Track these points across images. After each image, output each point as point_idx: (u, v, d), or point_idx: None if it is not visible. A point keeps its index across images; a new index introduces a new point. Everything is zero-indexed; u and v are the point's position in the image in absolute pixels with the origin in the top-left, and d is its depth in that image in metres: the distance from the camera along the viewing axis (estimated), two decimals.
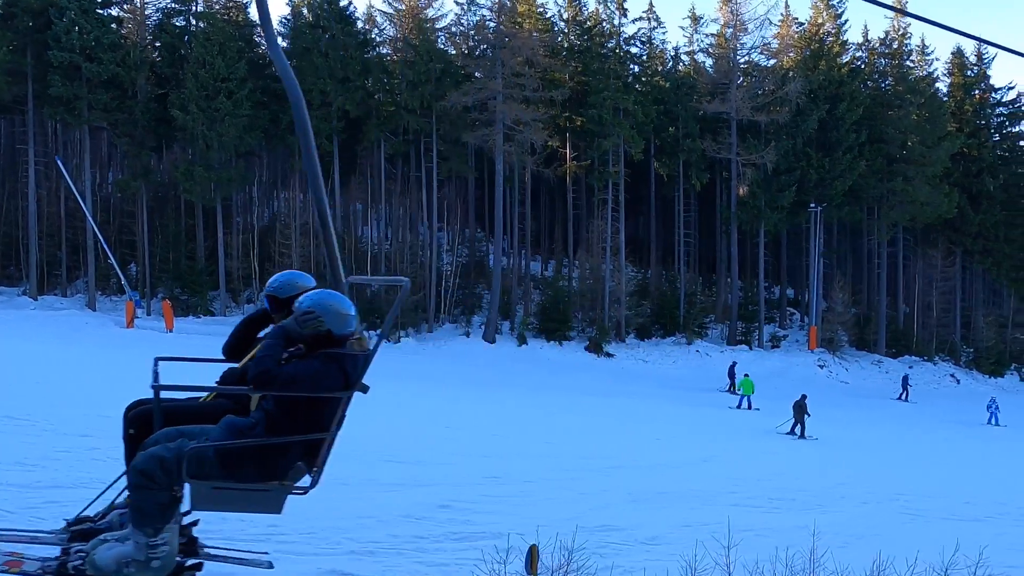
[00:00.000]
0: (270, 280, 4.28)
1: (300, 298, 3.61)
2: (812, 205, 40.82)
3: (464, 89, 35.53)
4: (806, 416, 24.03)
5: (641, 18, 42.70)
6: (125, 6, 41.00)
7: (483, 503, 13.45)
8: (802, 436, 23.86)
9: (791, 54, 44.65)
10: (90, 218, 31.41)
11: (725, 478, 17.46)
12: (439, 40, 45.30)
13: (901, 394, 37.17)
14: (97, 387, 19.79)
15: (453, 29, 44.91)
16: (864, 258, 50.95)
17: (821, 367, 39.64)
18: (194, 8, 39.53)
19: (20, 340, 26.39)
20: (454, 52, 45.66)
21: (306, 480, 3.67)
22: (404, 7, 44.56)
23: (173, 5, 39.78)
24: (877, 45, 45.82)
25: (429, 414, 21.49)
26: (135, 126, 36.80)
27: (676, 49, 45.87)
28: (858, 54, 47.16)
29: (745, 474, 18.05)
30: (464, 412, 22.29)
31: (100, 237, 33.67)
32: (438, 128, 37.71)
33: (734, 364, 34.92)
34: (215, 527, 10.46)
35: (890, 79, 44.99)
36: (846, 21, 44.75)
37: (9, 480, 10.36)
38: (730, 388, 33.52)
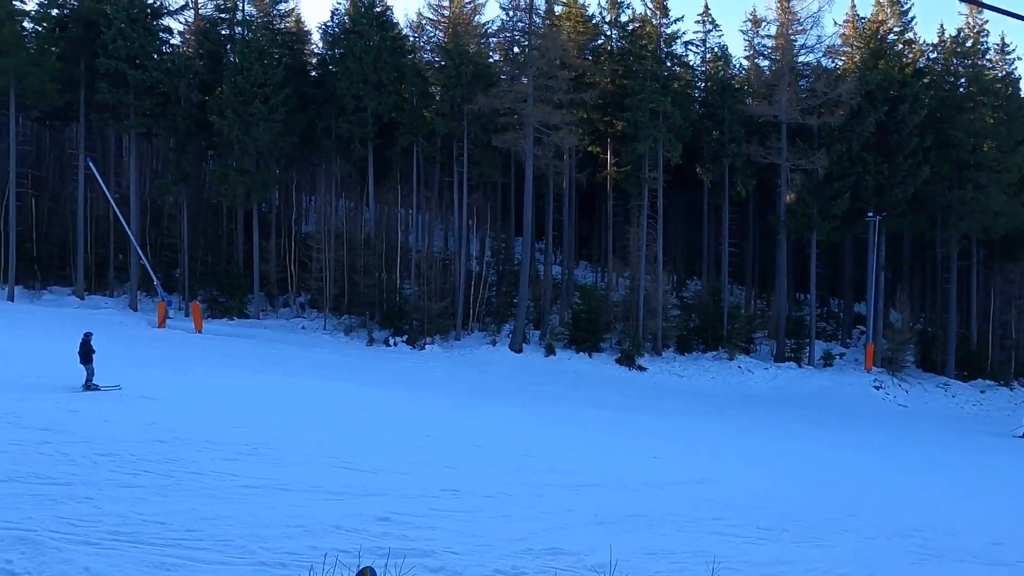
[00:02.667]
0: None
1: None
2: (870, 214, 38.09)
3: (493, 92, 34.80)
4: None
5: (681, 19, 41.03)
6: (181, 17, 42.38)
7: (428, 517, 12.44)
8: None
9: (856, 57, 42.09)
10: (123, 220, 32.21)
11: (714, 502, 15.86)
12: (488, 46, 45.03)
13: None
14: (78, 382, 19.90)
15: (501, 36, 44.50)
16: (934, 272, 47.40)
17: (877, 388, 36.73)
18: (237, 16, 40.33)
19: (38, 336, 27.16)
20: (500, 58, 45.23)
21: None
22: (449, 14, 44.53)
23: (217, 14, 40.71)
24: (949, 43, 42.58)
25: (413, 422, 20.68)
26: (177, 131, 37.71)
27: (723, 49, 43.88)
28: (932, 55, 44.07)
29: (739, 498, 16.43)
30: (454, 421, 21.37)
31: (133, 240, 34.65)
32: (469, 132, 37.11)
33: None
34: (133, 528, 9.78)
35: (963, 80, 41.68)
36: (912, 18, 41.78)
37: None
38: None
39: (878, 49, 39.34)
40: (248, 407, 19.16)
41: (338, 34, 39.72)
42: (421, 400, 23.99)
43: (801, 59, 41.24)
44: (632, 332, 36.36)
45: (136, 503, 11.06)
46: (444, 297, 36.03)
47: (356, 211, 41.52)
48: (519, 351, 34.96)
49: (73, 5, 38.74)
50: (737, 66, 46.84)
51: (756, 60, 45.28)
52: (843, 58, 43.28)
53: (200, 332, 33.32)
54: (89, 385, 19.06)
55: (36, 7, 37.84)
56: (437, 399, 24.55)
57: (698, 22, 46.01)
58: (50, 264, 41.10)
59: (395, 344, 35.03)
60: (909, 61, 41.30)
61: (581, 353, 35.37)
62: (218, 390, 20.99)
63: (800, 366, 38.47)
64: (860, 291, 49.84)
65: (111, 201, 32.64)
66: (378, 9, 39.33)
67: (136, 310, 37.51)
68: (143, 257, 34.03)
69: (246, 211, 39.24)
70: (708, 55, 45.88)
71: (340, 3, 43.06)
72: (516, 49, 43.90)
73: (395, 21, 40.10)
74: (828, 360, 39.35)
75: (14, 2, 35.88)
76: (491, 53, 45.42)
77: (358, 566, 8.12)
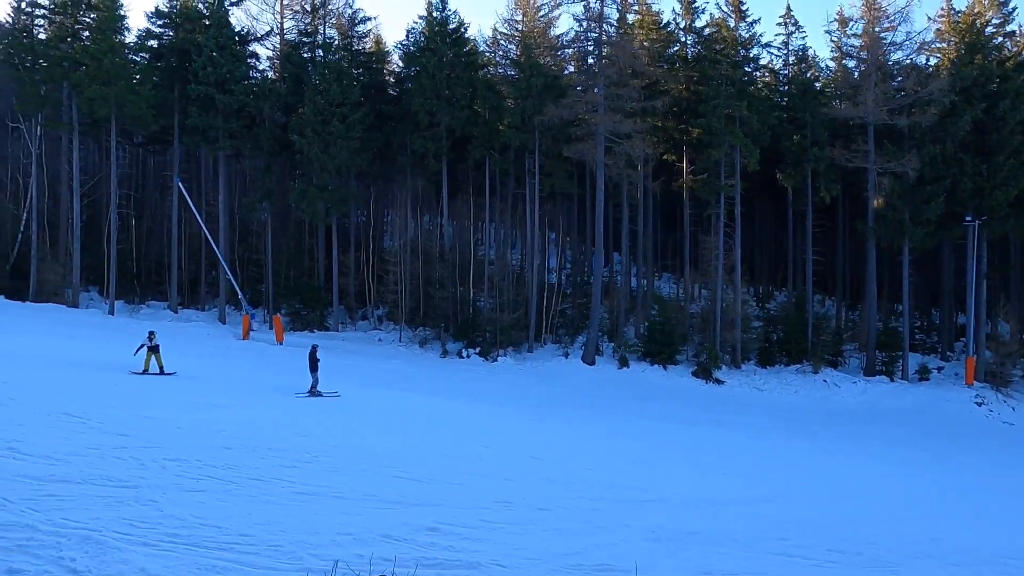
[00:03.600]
0: None
1: None
2: (968, 218, 35.66)
3: (563, 103, 34.68)
4: None
5: (757, 21, 39.71)
6: (268, 42, 44.34)
7: (479, 529, 12.32)
8: None
9: (952, 53, 39.70)
10: (210, 238, 33.78)
11: (782, 521, 15.07)
12: (564, 58, 45.05)
13: None
14: (165, 390, 20.88)
15: (575, 47, 44.42)
16: None
17: (979, 404, 34.23)
18: (318, 39, 41.83)
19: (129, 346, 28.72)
20: (574, 70, 45.12)
21: None
22: (523, 28, 44.80)
23: (300, 38, 42.32)
24: None
25: (475, 433, 20.61)
26: (262, 151, 39.36)
27: (804, 51, 42.24)
28: None
29: (810, 517, 15.54)
30: (517, 433, 21.18)
31: (220, 256, 36.27)
32: (541, 144, 37.10)
33: None
34: (190, 531, 10.15)
35: None
36: (1014, 9, 39.12)
37: (27, 472, 10.77)
38: None
39: (975, 43, 36.93)
40: (313, 416, 19.56)
41: (413, 52, 40.59)
42: (486, 411, 23.92)
43: (891, 57, 39.27)
44: (708, 344, 35.27)
45: (196, 507, 11.40)
46: (517, 309, 36.01)
47: (431, 225, 42.16)
48: (592, 363, 34.47)
49: (169, 36, 41.22)
50: (824, 67, 45.09)
51: (843, 61, 43.45)
52: (938, 55, 40.96)
53: (281, 344, 34.48)
54: (313, 391, 21.06)
55: (135, 39, 40.47)
56: (502, 410, 24.45)
57: (780, 24, 44.65)
58: (149, 280, 43.59)
59: (468, 356, 35.22)
60: (1011, 54, 38.62)
61: (656, 365, 34.55)
62: (288, 400, 21.54)
63: (892, 380, 36.31)
64: (962, 301, 46.67)
65: (199, 220, 34.39)
66: (452, 26, 39.98)
67: (224, 323, 39.20)
68: (228, 272, 35.58)
69: (326, 226, 40.47)
70: (792, 58, 44.38)
71: (417, 23, 44.14)
72: (591, 60, 43.76)
73: (468, 37, 40.65)
74: (923, 374, 36.97)
75: (115, 35, 38.41)
76: (567, 65, 45.38)
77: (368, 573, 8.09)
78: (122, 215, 42.34)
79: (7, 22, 42.69)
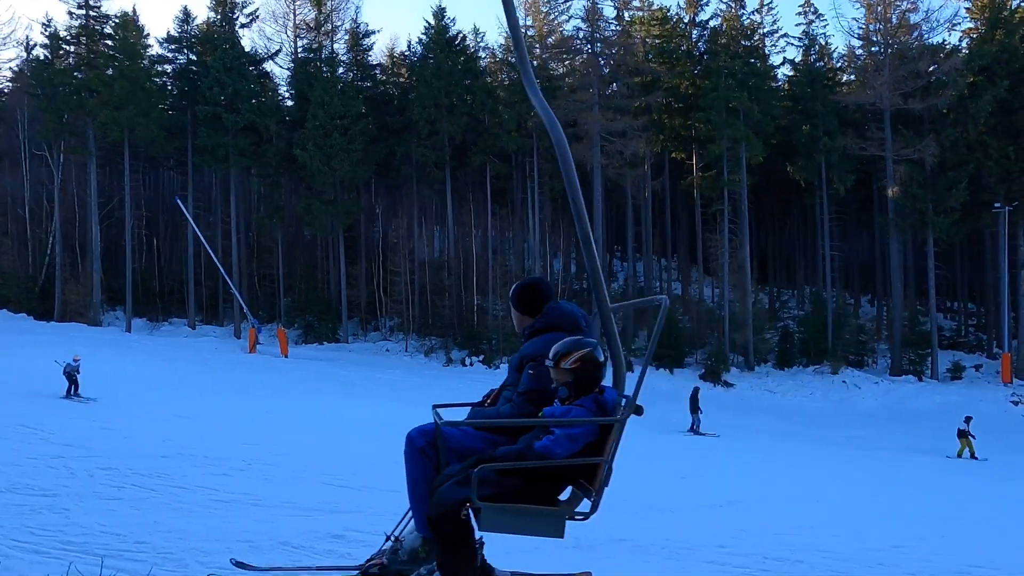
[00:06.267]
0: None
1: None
2: (997, 205, 33.48)
3: (555, 104, 34.01)
4: None
5: (759, 9, 38.27)
6: (280, 60, 45.12)
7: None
8: None
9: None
10: (212, 254, 34.34)
11: (728, 528, 13.91)
12: (577, 61, 44.45)
13: None
14: (140, 402, 20.95)
15: (586, 49, 43.76)
16: None
17: (1015, 404, 31.96)
18: (322, 55, 42.28)
19: (139, 361, 29.20)
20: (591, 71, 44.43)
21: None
22: (535, 32, 44.39)
23: (306, 54, 42.87)
24: None
25: None
26: (269, 167, 39.93)
27: (814, 37, 40.56)
28: None
29: (762, 524, 14.40)
30: None
31: (222, 271, 36.79)
32: (539, 147, 36.52)
33: None
34: (87, 539, 9.96)
35: None
36: None
37: None
38: None
39: (995, 19, 34.77)
40: (274, 426, 19.27)
41: (414, 63, 40.67)
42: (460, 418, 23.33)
43: (910, 39, 37.32)
44: (717, 346, 33.91)
45: (105, 515, 11.16)
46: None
47: (436, 234, 42.00)
48: None
49: (181, 63, 42.37)
50: (837, 53, 43.27)
51: (858, 46, 41.62)
52: (973, 35, 38.76)
53: (286, 357, 34.66)
54: (695, 430, 23.34)
55: (146, 62, 41.62)
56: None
57: (799, 14, 43.15)
58: (171, 298, 44.61)
59: (471, 364, 34.81)
60: None
61: (662, 369, 33.37)
62: (257, 409, 21.35)
63: (921, 380, 34.24)
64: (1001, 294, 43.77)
65: (200, 236, 35.05)
66: (451, 35, 39.90)
67: (239, 338, 39.72)
68: (232, 287, 36.11)
69: (335, 239, 40.74)
70: (814, 46, 42.71)
71: (421, 36, 44.24)
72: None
73: (467, 45, 40.47)
74: (956, 373, 34.74)
75: (132, 62, 39.61)
76: (584, 69, 44.73)
77: None
78: (144, 236, 43.54)
79: (44, 57, 44.50)
